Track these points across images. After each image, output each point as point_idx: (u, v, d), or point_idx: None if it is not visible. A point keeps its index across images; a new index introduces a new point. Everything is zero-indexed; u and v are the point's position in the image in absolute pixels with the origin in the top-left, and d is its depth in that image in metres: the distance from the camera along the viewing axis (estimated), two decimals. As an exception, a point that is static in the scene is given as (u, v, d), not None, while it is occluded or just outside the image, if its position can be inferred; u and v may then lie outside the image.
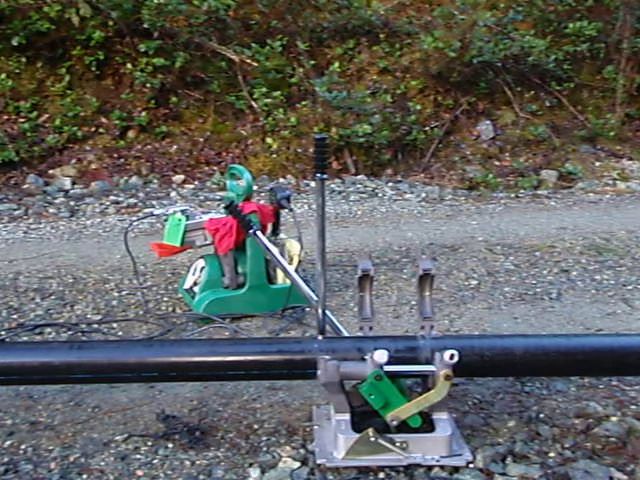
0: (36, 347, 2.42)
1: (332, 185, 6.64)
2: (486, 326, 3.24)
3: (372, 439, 1.97)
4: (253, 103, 7.35)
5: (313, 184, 6.38)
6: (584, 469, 1.97)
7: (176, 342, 2.76)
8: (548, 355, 2.18)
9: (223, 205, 3.28)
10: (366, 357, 2.02)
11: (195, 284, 3.39)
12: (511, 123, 7.98)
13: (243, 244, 3.26)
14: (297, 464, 2.01)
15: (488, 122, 7.95)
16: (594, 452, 2.08)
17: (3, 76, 6.77)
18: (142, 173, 6.81)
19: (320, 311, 2.25)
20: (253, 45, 7.47)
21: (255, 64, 7.39)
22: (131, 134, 7.17)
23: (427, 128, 7.70)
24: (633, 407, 2.38)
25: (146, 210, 5.72)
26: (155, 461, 2.06)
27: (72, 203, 5.98)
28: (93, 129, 7.07)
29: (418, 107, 7.69)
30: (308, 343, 2.22)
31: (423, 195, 6.52)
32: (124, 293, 3.67)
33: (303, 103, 7.40)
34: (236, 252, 3.30)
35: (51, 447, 2.14)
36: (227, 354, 2.17)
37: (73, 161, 6.80)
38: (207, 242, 3.31)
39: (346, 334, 2.58)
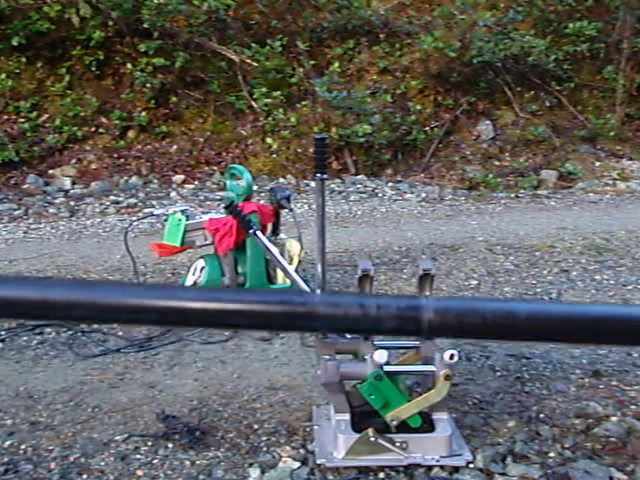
0: (36, 282, 2.37)
1: (332, 185, 6.64)
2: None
3: (372, 439, 1.97)
4: (253, 103, 7.35)
5: (313, 184, 6.38)
6: (584, 469, 1.97)
7: (176, 287, 2.74)
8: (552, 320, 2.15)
9: (223, 205, 3.28)
10: (366, 357, 2.02)
11: (195, 284, 3.39)
12: (511, 123, 7.97)
13: (243, 244, 3.26)
14: (297, 464, 2.01)
15: (488, 122, 7.94)
16: (594, 452, 2.08)
17: (3, 76, 6.77)
18: (142, 173, 6.81)
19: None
20: (253, 45, 7.47)
21: (255, 64, 7.39)
22: (131, 134, 7.17)
23: (427, 128, 7.69)
24: (633, 407, 2.38)
25: (146, 210, 5.72)
26: (155, 461, 2.06)
27: (72, 203, 5.98)
28: (93, 129, 7.07)
29: (418, 107, 7.69)
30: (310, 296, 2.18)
31: (423, 195, 6.52)
32: (124, 293, 3.66)
33: (303, 103, 7.40)
34: (236, 252, 3.30)
35: (51, 447, 2.14)
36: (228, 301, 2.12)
37: (73, 161, 6.80)
38: (207, 242, 3.31)
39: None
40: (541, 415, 2.31)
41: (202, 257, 3.43)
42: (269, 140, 7.24)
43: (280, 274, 3.35)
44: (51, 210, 5.78)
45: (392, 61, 8.06)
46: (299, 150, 7.17)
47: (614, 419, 2.27)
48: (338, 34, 8.14)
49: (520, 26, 8.23)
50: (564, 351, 2.83)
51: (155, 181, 6.72)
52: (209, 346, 2.94)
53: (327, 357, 2.01)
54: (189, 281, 3.43)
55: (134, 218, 5.19)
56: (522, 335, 2.54)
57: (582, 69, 8.43)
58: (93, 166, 6.79)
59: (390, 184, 6.87)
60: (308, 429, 2.21)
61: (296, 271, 3.09)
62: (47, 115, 6.99)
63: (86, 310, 2.17)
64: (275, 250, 3.05)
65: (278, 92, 7.27)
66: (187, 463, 2.04)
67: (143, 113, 7.18)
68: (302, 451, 2.08)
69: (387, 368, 1.98)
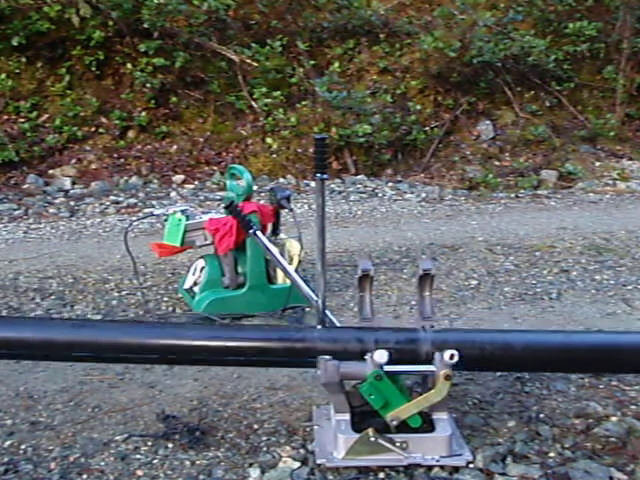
0: (39, 323, 2.37)
1: (332, 185, 6.64)
2: (486, 326, 3.24)
3: (372, 439, 1.97)
4: (253, 103, 7.35)
5: (313, 184, 6.38)
6: (584, 469, 1.97)
7: (178, 325, 2.73)
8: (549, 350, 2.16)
9: (223, 205, 3.28)
10: (366, 357, 2.02)
11: (195, 284, 3.39)
12: (511, 123, 7.98)
13: (243, 244, 3.26)
14: (297, 464, 2.01)
15: (488, 122, 7.94)
16: (594, 452, 2.08)
17: (3, 76, 6.77)
18: (142, 173, 6.81)
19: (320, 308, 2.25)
20: (253, 45, 7.47)
21: (255, 64, 7.39)
22: (131, 134, 7.17)
23: (427, 128, 7.69)
24: (633, 407, 2.38)
25: (146, 210, 5.72)
26: (155, 461, 2.06)
27: (72, 203, 5.98)
28: (93, 129, 7.07)
29: (418, 107, 7.70)
30: (309, 332, 2.18)
31: (423, 195, 6.53)
32: (124, 293, 3.67)
33: (303, 103, 7.41)
34: (236, 252, 3.30)
35: (51, 447, 2.14)
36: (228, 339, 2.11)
37: (73, 161, 6.80)
38: (207, 242, 3.31)
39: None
40: (541, 415, 2.31)
41: (202, 257, 3.43)
42: (269, 140, 7.24)
43: (280, 274, 3.35)
44: (51, 210, 5.78)
45: (392, 61, 8.06)
46: (299, 150, 7.18)
47: (614, 419, 2.27)
48: (338, 34, 8.14)
49: (520, 26, 8.23)
50: (564, 351, 2.83)
51: (155, 181, 6.72)
52: (209, 346, 2.94)
53: (327, 357, 2.00)
54: (189, 281, 3.44)
55: (134, 218, 5.20)
56: (520, 366, 2.51)
57: (582, 69, 8.43)
58: (93, 166, 6.80)
59: (390, 184, 6.87)
60: (308, 429, 2.21)
61: (296, 271, 3.09)
62: (47, 115, 6.99)
63: (88, 350, 2.13)
64: (275, 250, 3.05)
65: (278, 92, 7.27)
66: (187, 463, 2.04)
67: (143, 113, 7.18)
68: (302, 451, 2.08)
69: (387, 368, 1.98)
